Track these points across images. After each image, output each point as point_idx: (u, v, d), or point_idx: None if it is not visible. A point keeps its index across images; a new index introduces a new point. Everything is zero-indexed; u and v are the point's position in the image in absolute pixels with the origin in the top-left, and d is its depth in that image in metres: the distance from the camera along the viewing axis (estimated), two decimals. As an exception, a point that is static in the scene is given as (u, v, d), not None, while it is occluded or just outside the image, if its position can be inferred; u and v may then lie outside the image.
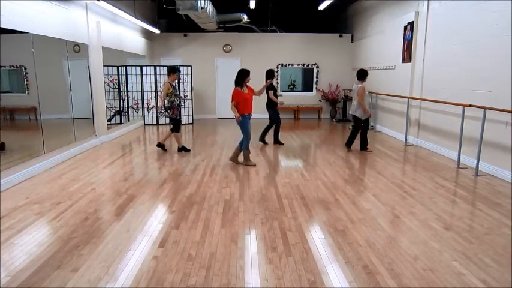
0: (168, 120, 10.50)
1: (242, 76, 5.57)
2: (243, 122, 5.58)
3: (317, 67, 11.96)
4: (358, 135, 6.83)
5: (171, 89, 6.33)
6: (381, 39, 9.25)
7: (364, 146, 6.83)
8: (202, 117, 11.84)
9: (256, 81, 11.90)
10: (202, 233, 3.26)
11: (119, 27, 8.67)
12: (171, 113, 6.43)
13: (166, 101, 6.37)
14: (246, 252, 2.92)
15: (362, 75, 6.61)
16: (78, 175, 5.13)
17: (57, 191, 4.44)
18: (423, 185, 4.74)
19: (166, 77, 10.16)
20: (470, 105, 5.36)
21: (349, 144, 6.86)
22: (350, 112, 6.84)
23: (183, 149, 6.69)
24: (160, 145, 6.73)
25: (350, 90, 11.45)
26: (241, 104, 5.53)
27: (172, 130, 6.55)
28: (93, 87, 7.28)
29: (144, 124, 10.43)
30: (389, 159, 6.24)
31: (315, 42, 11.86)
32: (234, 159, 5.84)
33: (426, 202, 4.08)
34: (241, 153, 5.79)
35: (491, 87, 5.20)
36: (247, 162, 5.75)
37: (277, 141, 7.45)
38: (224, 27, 11.50)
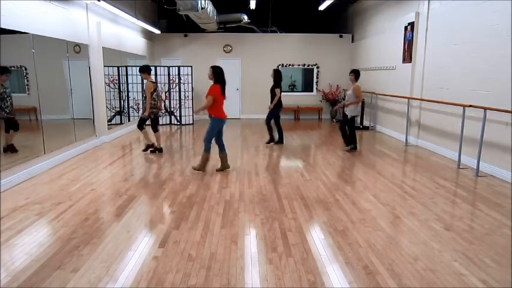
0: (167, 120, 10.58)
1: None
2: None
3: (317, 67, 11.96)
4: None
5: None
6: (381, 39, 9.25)
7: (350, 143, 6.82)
8: (203, 118, 11.82)
9: (259, 81, 11.98)
10: (202, 233, 3.26)
11: (119, 27, 8.68)
12: (146, 113, 6.45)
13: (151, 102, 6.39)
14: (246, 252, 2.92)
15: (359, 74, 6.69)
16: (79, 175, 5.14)
17: (58, 191, 4.44)
18: (423, 185, 4.74)
19: (166, 77, 10.28)
20: (470, 106, 5.36)
21: (353, 144, 6.80)
22: (347, 112, 6.69)
23: (153, 148, 6.69)
24: (156, 149, 6.65)
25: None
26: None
27: (154, 130, 6.66)
28: (93, 88, 7.28)
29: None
30: (389, 159, 6.23)
31: (315, 43, 11.87)
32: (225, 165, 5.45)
33: (426, 202, 4.08)
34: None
35: (492, 87, 5.20)
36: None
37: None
38: (224, 27, 11.51)
